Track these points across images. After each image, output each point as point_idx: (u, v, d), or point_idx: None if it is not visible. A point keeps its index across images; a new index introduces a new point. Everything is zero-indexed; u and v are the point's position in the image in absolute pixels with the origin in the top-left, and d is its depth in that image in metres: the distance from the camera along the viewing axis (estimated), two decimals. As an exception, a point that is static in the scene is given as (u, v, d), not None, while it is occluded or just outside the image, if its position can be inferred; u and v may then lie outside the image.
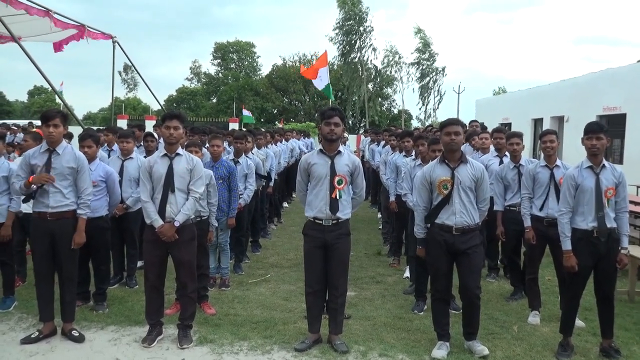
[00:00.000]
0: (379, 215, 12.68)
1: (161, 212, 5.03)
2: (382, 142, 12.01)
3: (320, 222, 5.05)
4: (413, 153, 7.67)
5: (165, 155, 5.12)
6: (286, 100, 57.62)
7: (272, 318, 5.86)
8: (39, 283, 5.18)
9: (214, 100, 61.99)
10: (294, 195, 16.49)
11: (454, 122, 5.02)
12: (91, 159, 5.85)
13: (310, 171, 5.12)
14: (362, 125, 53.65)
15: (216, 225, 6.30)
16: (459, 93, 49.77)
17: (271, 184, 10.44)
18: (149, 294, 5.21)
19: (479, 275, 5.06)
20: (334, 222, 5.04)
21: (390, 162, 8.37)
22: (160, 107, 22.48)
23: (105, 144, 8.22)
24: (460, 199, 4.95)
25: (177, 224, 5.02)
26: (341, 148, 5.15)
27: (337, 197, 5.02)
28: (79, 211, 5.21)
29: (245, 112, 30.87)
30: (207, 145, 7.32)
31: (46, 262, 5.16)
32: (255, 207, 8.89)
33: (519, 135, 6.77)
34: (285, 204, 14.41)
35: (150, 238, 5.10)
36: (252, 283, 7.27)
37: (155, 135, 7.78)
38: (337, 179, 5.02)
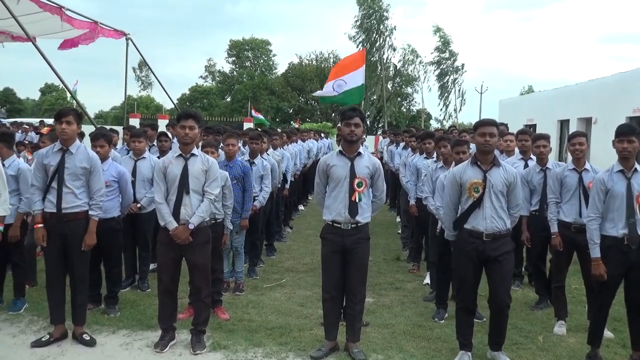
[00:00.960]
0: (398, 219, 12.63)
1: (175, 214, 5.06)
2: (402, 144, 11.97)
3: (339, 225, 5.05)
4: (434, 155, 7.66)
5: (180, 155, 5.14)
6: (302, 99, 57.74)
7: (287, 324, 5.86)
8: (50, 285, 5.24)
9: (228, 99, 62.30)
10: (310, 198, 16.54)
11: (489, 122, 4.97)
12: (103, 158, 5.91)
13: (329, 173, 5.12)
14: (380, 125, 53.64)
15: (231, 228, 6.32)
16: (481, 93, 49.54)
17: (287, 186, 10.46)
18: (162, 298, 5.23)
19: (509, 283, 5.02)
20: (353, 226, 5.04)
21: (411, 164, 8.34)
22: (173, 106, 22.66)
23: (125, 144, 8.29)
24: (492, 203, 4.89)
25: (191, 226, 5.04)
26: (361, 149, 5.14)
27: (357, 200, 5.02)
28: (90, 212, 5.24)
29: (255, 114, 30.11)
30: (222, 145, 7.33)
31: (57, 264, 5.21)
32: (270, 209, 8.90)
33: (546, 138, 6.71)
34: (301, 207, 14.43)
35: (164, 240, 5.13)
36: (266, 288, 7.28)
37: (169, 135, 7.82)
38: (357, 181, 5.02)
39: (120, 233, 6.22)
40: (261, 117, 30.79)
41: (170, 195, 5.11)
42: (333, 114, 55.39)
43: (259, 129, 12.01)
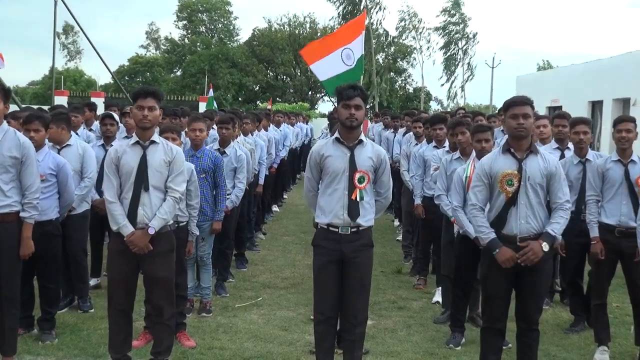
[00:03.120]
0: (397, 223, 12.76)
1: (131, 215, 5.07)
2: (402, 130, 12.05)
3: (336, 230, 5.09)
4: (446, 143, 7.76)
5: (136, 143, 5.14)
6: (271, 74, 57.66)
7: (268, 353, 5.91)
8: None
9: (179, 73, 61.89)
10: (285, 197, 16.62)
11: (522, 101, 5.04)
12: (39, 146, 5.85)
13: (323, 166, 5.15)
14: (368, 107, 53.74)
15: (197, 233, 6.33)
16: (492, 67, 49.88)
17: (260, 181, 10.49)
18: (114, 320, 5.24)
19: (542, 300, 5.13)
20: (353, 230, 5.08)
21: (416, 156, 8.41)
22: (111, 80, 22.45)
23: (83, 123, 8.42)
24: (528, 199, 4.95)
25: (151, 231, 5.05)
26: (363, 137, 5.19)
27: (358, 199, 5.06)
28: (23, 214, 5.21)
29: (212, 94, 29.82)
30: (185, 130, 7.33)
31: (-19, 280, 5.16)
32: (241, 211, 8.91)
33: (587, 123, 6.83)
34: (275, 208, 14.47)
35: (117, 249, 5.14)
36: (239, 308, 7.31)
37: (116, 117, 7.79)
38: (357, 175, 5.06)
39: (59, 239, 6.19)
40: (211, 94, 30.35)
41: (125, 193, 5.12)
42: (310, 92, 55.52)
43: (221, 111, 12.02)
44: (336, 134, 5.21)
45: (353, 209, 5.06)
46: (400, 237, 11.03)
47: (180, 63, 61.89)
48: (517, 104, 5.00)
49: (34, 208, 5.26)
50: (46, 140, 6.19)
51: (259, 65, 56.21)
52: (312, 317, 6.71)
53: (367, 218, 5.14)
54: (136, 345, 5.78)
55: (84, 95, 33.77)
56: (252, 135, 10.15)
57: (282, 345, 6.15)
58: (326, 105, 54.70)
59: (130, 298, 5.26)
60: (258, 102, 58.12)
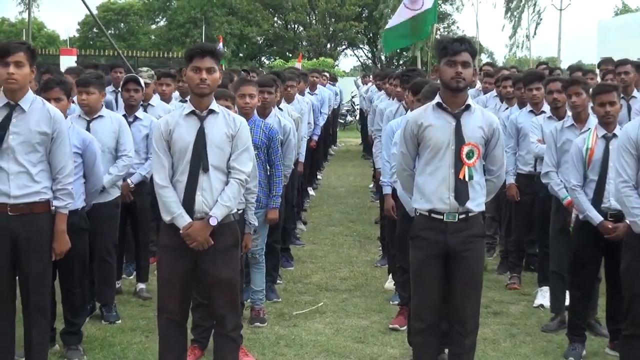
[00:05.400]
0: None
1: (188, 203, 5.12)
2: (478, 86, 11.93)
3: (440, 217, 5.19)
4: (545, 107, 7.81)
5: (192, 113, 5.19)
6: (279, 22, 57.44)
7: (349, 371, 6.04)
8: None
9: (162, 24, 61.88)
10: (319, 177, 16.69)
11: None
12: (61, 119, 5.95)
13: (421, 138, 5.23)
14: (400, 63, 53.48)
15: (256, 224, 6.42)
16: (560, 10, 49.51)
17: (301, 158, 10.54)
18: (165, 333, 5.31)
19: None
20: (461, 217, 5.18)
21: (511, 123, 8.44)
22: (75, 34, 22.41)
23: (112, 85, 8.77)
24: None
25: (213, 221, 5.10)
26: (471, 101, 5.25)
27: (467, 178, 5.15)
28: (56, 202, 5.31)
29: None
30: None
31: (3, 283, 5.29)
32: (285, 196, 9.00)
33: None
34: (311, 191, 14.55)
35: (170, 244, 5.20)
36: (298, 316, 7.43)
37: (142, 82, 7.87)
38: (465, 149, 5.14)
39: (86, 234, 6.30)
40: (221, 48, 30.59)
41: (179, 175, 5.17)
42: (328, 45, 55.31)
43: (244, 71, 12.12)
44: (437, 99, 5.27)
45: (461, 190, 5.14)
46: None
47: (164, 10, 61.82)
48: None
49: (69, 195, 5.37)
50: (74, 107, 6.27)
51: (264, 11, 55.91)
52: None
53: (477, 202, 5.23)
54: (188, 364, 5.89)
55: (49, 54, 33.70)
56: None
57: (361, 360, 6.28)
58: (349, 60, 54.54)
59: (186, 305, 5.34)
60: (263, 58, 58.15)
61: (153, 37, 58.49)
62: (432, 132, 5.19)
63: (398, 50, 50.95)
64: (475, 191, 5.20)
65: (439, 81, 5.53)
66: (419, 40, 17.19)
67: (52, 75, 6.49)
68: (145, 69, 9.25)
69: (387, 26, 12.25)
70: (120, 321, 7.04)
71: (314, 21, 56.51)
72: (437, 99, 5.25)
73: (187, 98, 9.22)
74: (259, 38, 56.75)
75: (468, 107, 5.21)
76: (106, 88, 7.95)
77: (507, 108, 9.24)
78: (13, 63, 5.11)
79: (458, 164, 5.13)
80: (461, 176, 5.13)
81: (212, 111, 5.22)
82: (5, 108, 5.22)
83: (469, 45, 5.17)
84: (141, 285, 7.90)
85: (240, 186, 5.27)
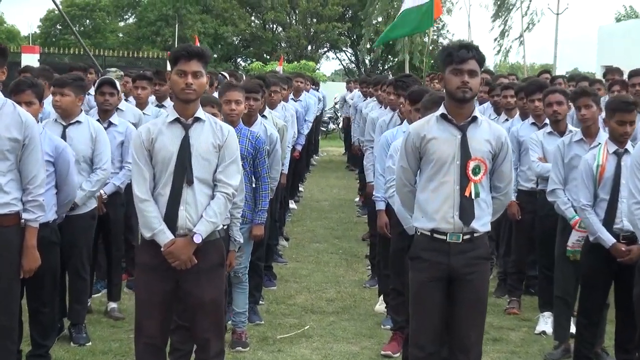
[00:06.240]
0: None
1: (170, 218, 5.09)
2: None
3: (444, 237, 5.19)
4: (547, 120, 7.87)
5: (176, 120, 5.16)
6: (257, 22, 57.45)
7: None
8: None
9: (130, 21, 61.73)
10: (301, 189, 16.68)
11: None
12: (32, 124, 5.92)
13: (424, 151, 5.24)
14: (385, 68, 53.57)
15: (241, 241, 6.41)
16: (558, 14, 49.83)
17: (285, 169, 10.51)
18: (141, 357, 5.29)
19: None
20: (466, 237, 5.19)
21: (512, 136, 8.42)
22: (36, 30, 22.30)
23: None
24: None
25: (197, 238, 5.07)
26: (477, 113, 5.26)
27: (473, 196, 5.16)
28: (26, 215, 5.29)
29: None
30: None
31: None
32: (270, 211, 8.98)
33: None
34: (292, 204, 14.50)
35: (149, 263, 5.16)
36: (283, 340, 7.40)
37: (118, 86, 7.84)
38: (472, 164, 5.15)
39: (57, 248, 6.29)
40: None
41: (160, 188, 5.13)
42: (309, 47, 55.33)
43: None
44: (441, 109, 5.27)
45: (466, 209, 5.15)
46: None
47: (133, 7, 61.68)
48: None
49: (40, 207, 5.34)
50: (48, 112, 6.24)
51: (241, 10, 55.92)
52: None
53: (483, 221, 5.24)
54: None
55: (10, 51, 33.57)
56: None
57: (352, 390, 6.28)
58: (331, 64, 54.65)
59: (165, 329, 5.31)
60: (239, 60, 58.07)
61: (121, 35, 58.18)
62: (435, 145, 5.20)
63: (384, 54, 51.20)
64: (481, 210, 5.21)
65: (443, 90, 5.53)
66: (408, 33, 17.30)
67: (23, 77, 6.44)
68: (113, 69, 9.24)
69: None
70: (90, 343, 6.99)
71: (294, 21, 56.56)
72: (442, 109, 5.25)
73: (164, 103, 9.43)
74: (234, 38, 56.63)
75: (475, 119, 5.23)
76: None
77: (506, 120, 9.26)
78: None
79: (464, 180, 5.14)
80: (467, 193, 5.14)
81: (197, 119, 5.19)
82: None
83: (476, 53, 5.17)
84: (113, 305, 7.84)
85: (227, 201, 5.25)
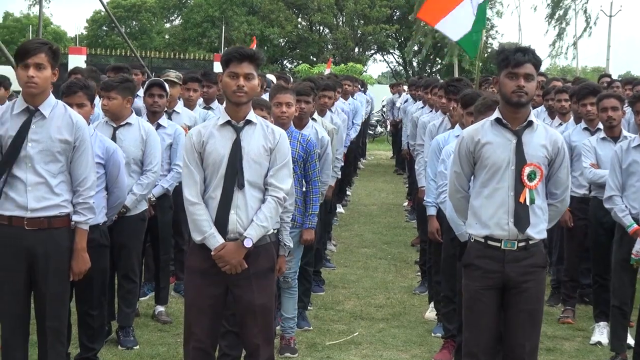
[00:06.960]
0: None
1: (221, 222, 5.09)
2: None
3: (498, 244, 5.15)
4: (599, 125, 7.85)
5: (227, 123, 5.15)
6: (304, 23, 57.59)
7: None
8: (6, 341, 5.31)
9: (177, 23, 62.14)
10: (348, 193, 16.65)
11: None
12: (84, 126, 5.96)
13: (478, 156, 5.20)
14: (433, 71, 53.37)
15: (291, 245, 6.37)
16: (610, 16, 49.43)
17: (337, 174, 10.48)
18: (192, 362, 5.30)
19: None
20: (521, 245, 5.14)
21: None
22: (83, 31, 22.56)
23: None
24: None
25: (248, 243, 5.07)
26: (533, 117, 5.21)
27: (528, 202, 5.11)
28: (76, 217, 5.31)
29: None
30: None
31: (18, 305, 5.28)
32: (320, 215, 8.97)
33: None
34: (339, 208, 14.49)
35: (199, 267, 5.16)
36: (332, 346, 7.37)
37: (167, 87, 7.85)
38: (527, 170, 5.11)
39: (107, 251, 6.30)
40: None
41: (211, 191, 5.14)
42: (357, 49, 55.33)
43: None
44: (496, 114, 5.22)
45: (521, 215, 5.11)
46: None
47: (179, 8, 62.11)
48: None
49: (90, 210, 5.36)
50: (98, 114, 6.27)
51: (288, 11, 56.09)
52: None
53: (539, 228, 5.21)
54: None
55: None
56: (330, 111, 10.24)
57: (402, 399, 6.23)
58: (378, 66, 54.56)
59: (215, 333, 5.30)
60: (285, 62, 58.22)
61: (167, 37, 58.64)
62: (490, 150, 5.16)
63: (431, 56, 51.04)
64: (537, 216, 5.16)
65: (497, 94, 5.47)
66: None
67: (75, 79, 6.47)
68: (172, 71, 9.23)
69: (458, 36, 12.11)
70: (138, 347, 7.01)
71: (341, 23, 56.63)
72: (497, 114, 5.21)
73: (211, 105, 9.44)
74: (281, 40, 56.95)
75: (530, 123, 5.19)
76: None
77: (560, 124, 9.16)
78: (33, 65, 5.12)
79: (519, 186, 5.10)
80: (522, 200, 5.10)
81: (249, 122, 5.19)
82: (24, 113, 5.22)
83: (532, 56, 5.14)
84: (160, 308, 7.85)
85: (278, 205, 5.23)
